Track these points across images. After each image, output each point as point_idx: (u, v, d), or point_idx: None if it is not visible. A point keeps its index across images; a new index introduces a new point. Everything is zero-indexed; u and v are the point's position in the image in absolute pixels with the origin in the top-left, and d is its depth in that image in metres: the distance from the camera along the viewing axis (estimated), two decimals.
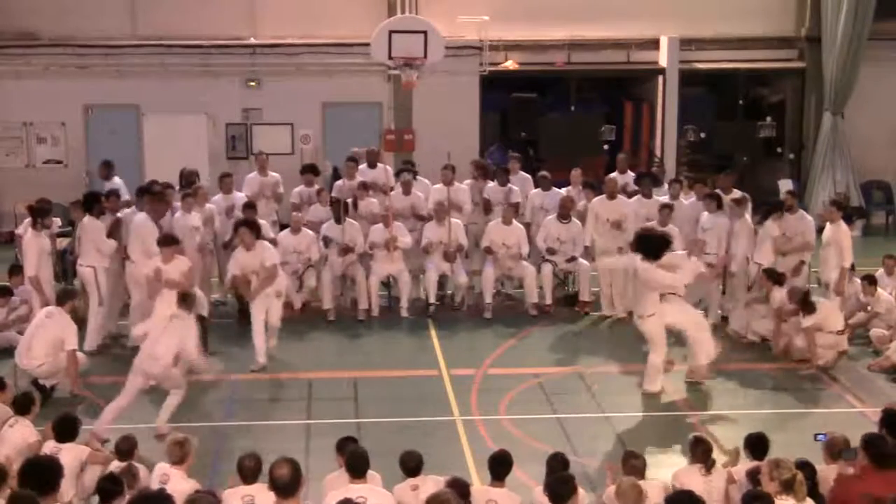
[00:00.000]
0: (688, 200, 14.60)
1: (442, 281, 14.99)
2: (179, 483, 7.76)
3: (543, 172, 15.70)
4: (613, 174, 15.80)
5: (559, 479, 7.37)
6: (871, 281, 13.46)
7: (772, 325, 13.01)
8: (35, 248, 12.54)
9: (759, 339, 13.27)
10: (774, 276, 12.98)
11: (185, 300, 10.61)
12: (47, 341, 11.25)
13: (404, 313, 14.43)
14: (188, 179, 14.95)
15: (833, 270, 13.27)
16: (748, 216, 13.67)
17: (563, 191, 15.17)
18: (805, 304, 12.41)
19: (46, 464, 6.59)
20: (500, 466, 7.91)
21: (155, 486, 7.70)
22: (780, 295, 12.79)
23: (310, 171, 15.59)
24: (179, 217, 13.82)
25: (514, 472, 8.18)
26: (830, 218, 13.40)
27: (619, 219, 14.38)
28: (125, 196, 14.67)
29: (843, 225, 13.33)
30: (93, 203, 13.16)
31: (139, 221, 13.01)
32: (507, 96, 20.41)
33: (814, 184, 20.25)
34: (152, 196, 13.29)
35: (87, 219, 12.99)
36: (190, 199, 13.89)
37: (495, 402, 11.45)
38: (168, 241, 12.26)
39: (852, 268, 13.36)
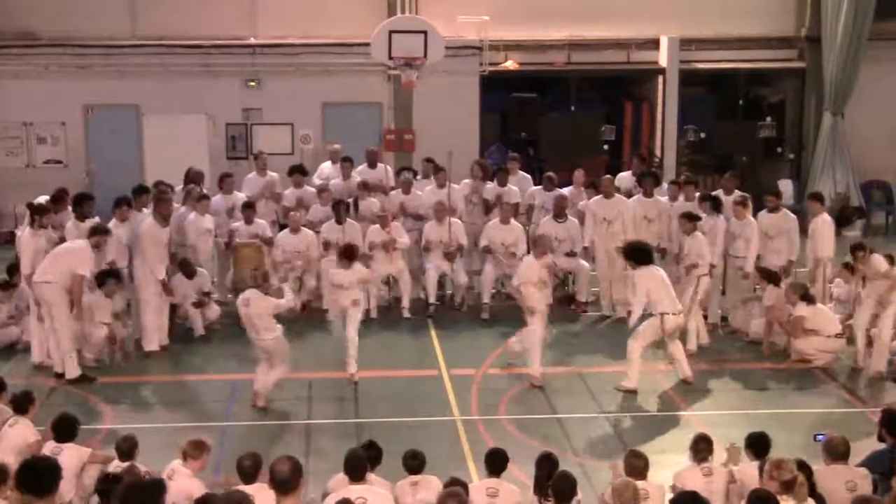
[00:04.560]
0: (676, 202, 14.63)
1: (442, 281, 15.00)
2: (185, 481, 7.75)
3: (549, 174, 15.68)
4: (623, 174, 15.79)
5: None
6: None
7: (764, 326, 13.07)
8: (32, 246, 12.55)
9: (758, 338, 13.28)
10: (768, 274, 13.02)
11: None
12: (65, 266, 11.81)
13: (406, 314, 14.43)
14: (194, 180, 14.97)
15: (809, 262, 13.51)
16: (750, 216, 13.68)
17: (565, 191, 15.16)
18: (806, 297, 12.48)
19: (44, 465, 6.57)
20: (495, 463, 7.94)
21: None
22: (773, 293, 12.83)
23: (298, 171, 15.60)
24: (193, 219, 13.86)
25: (514, 472, 8.20)
26: (814, 211, 13.61)
27: (616, 217, 14.36)
28: None
29: (826, 217, 13.58)
30: (78, 204, 13.16)
31: (147, 226, 12.89)
32: (507, 96, 20.40)
33: (814, 184, 20.20)
34: (158, 199, 13.23)
35: (70, 221, 13.02)
36: (205, 201, 13.97)
37: (495, 402, 11.46)
38: None
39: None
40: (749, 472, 7.95)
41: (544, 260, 12.45)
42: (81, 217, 13.05)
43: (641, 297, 11.66)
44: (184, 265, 13.45)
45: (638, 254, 11.88)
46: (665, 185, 15.23)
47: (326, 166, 16.55)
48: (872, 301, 12.30)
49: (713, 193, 14.35)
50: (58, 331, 11.88)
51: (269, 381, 11.31)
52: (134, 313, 13.20)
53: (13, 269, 13.50)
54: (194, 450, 8.00)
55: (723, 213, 13.76)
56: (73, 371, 11.90)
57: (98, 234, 12.26)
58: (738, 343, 13.47)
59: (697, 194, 14.44)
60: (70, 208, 13.33)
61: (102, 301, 12.38)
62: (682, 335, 12.46)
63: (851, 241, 13.22)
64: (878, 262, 12.30)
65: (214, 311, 13.91)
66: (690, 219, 13.15)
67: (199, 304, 13.62)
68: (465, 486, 7.60)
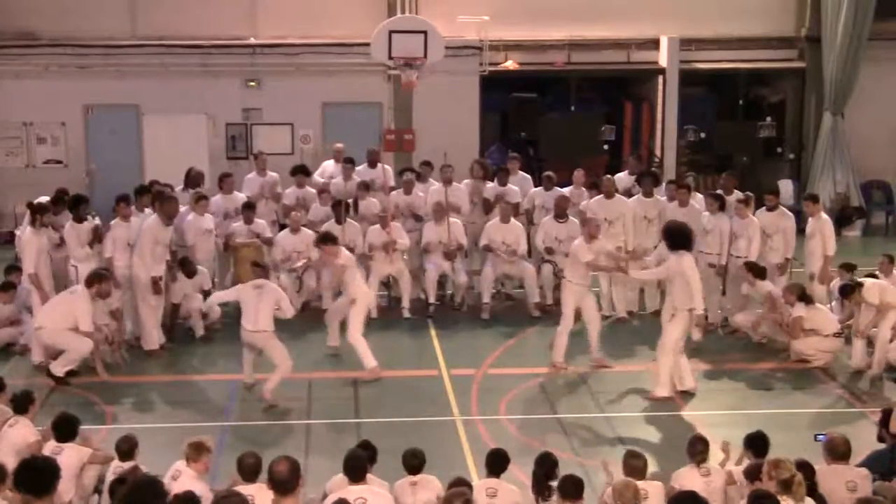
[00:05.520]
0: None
1: (442, 281, 15.00)
2: (190, 483, 7.73)
3: (548, 173, 15.69)
4: (621, 174, 15.79)
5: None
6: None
7: (771, 326, 13.05)
8: (34, 245, 12.56)
9: (762, 339, 13.30)
10: (756, 269, 13.05)
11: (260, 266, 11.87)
12: (62, 313, 11.83)
13: (406, 314, 14.43)
14: (194, 181, 14.99)
15: (818, 260, 13.46)
16: (752, 216, 13.69)
17: (565, 191, 15.16)
18: (804, 297, 12.50)
19: (43, 464, 6.58)
20: (496, 463, 7.95)
21: (166, 481, 7.66)
22: (764, 287, 12.92)
23: (301, 172, 15.61)
24: (192, 220, 13.88)
25: (514, 472, 8.20)
26: (810, 212, 13.68)
27: (617, 218, 14.37)
28: None
29: (823, 216, 13.71)
30: (75, 207, 13.15)
31: (153, 224, 12.90)
32: (507, 96, 20.39)
33: (814, 184, 20.21)
34: (163, 199, 13.22)
35: (69, 223, 13.01)
36: (204, 201, 13.98)
37: (495, 402, 11.46)
38: None
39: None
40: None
41: (595, 244, 12.39)
42: (79, 219, 13.06)
43: (662, 272, 11.54)
44: (184, 264, 13.45)
45: (677, 236, 11.56)
46: (664, 186, 15.25)
47: (329, 165, 16.63)
48: (872, 308, 12.31)
49: (717, 192, 14.37)
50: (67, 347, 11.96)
51: (273, 381, 11.32)
52: (134, 312, 13.21)
53: (12, 269, 13.50)
54: (194, 451, 7.96)
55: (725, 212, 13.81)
56: (59, 370, 11.89)
57: (98, 281, 12.02)
58: (739, 343, 13.46)
59: (701, 195, 14.45)
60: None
61: (98, 304, 12.33)
62: None
63: (846, 247, 13.21)
64: (871, 295, 12.23)
65: (215, 311, 13.90)
66: None
67: (205, 314, 13.65)
68: (469, 485, 7.60)
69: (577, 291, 12.40)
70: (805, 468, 7.47)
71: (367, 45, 15.88)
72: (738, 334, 13.66)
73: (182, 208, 14.18)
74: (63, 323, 11.82)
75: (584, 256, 12.22)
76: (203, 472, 7.97)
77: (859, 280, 12.52)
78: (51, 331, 11.89)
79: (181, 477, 7.80)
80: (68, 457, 8.09)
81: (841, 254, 13.84)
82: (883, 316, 12.15)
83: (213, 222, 14.29)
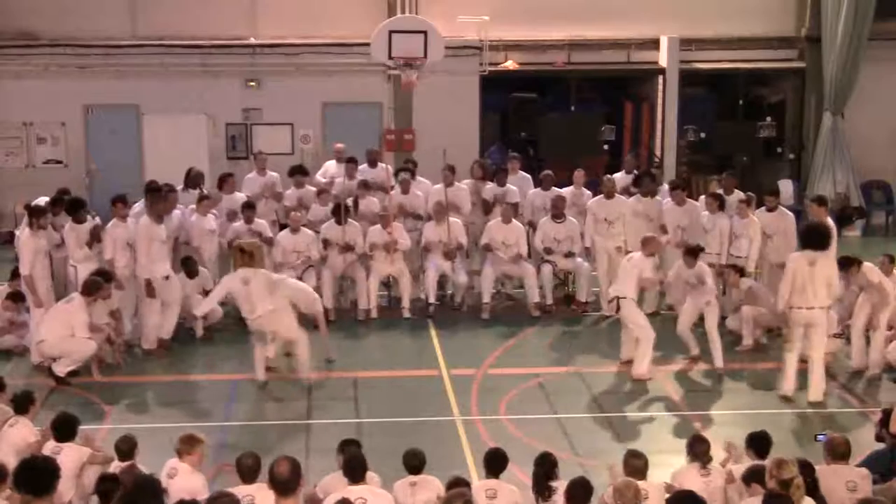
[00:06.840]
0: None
1: (442, 281, 15.00)
2: (187, 477, 7.74)
3: (547, 171, 15.69)
4: (619, 174, 15.80)
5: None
6: None
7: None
8: (31, 247, 12.56)
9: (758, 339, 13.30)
10: (737, 269, 13.08)
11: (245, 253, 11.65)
12: (61, 323, 11.86)
13: (406, 314, 14.43)
14: (195, 181, 15.00)
15: None
16: (753, 216, 13.69)
17: (565, 191, 15.16)
18: None
19: (42, 464, 6.58)
20: (494, 463, 7.95)
21: (163, 480, 7.66)
22: (745, 283, 13.02)
23: (298, 172, 15.62)
24: (195, 220, 13.90)
25: (514, 472, 8.20)
26: (815, 214, 13.53)
27: (617, 218, 14.38)
28: None
29: (829, 222, 13.44)
30: (73, 209, 13.18)
31: (144, 224, 12.93)
32: (507, 96, 20.40)
33: (814, 184, 20.24)
34: (155, 196, 13.25)
35: (68, 224, 13.04)
36: (206, 201, 13.98)
37: (495, 402, 11.46)
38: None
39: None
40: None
41: (653, 260, 12.37)
42: (79, 220, 13.06)
43: (787, 284, 11.24)
44: (185, 263, 13.47)
45: (811, 236, 11.40)
46: (665, 186, 15.25)
47: (331, 165, 16.63)
48: (868, 305, 12.30)
49: (717, 192, 14.38)
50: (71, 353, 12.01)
51: (303, 362, 11.79)
52: (138, 311, 13.23)
53: (17, 272, 13.49)
54: (186, 445, 7.98)
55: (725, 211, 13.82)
56: (62, 370, 11.91)
57: (97, 289, 12.04)
58: (738, 343, 13.45)
59: (703, 197, 14.45)
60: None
61: (98, 304, 12.32)
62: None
63: (846, 247, 13.15)
64: (870, 272, 12.22)
65: (217, 311, 13.89)
66: (695, 255, 12.79)
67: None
68: (468, 485, 7.60)
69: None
70: (805, 468, 7.47)
71: (367, 45, 15.90)
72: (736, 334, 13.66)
73: (186, 208, 14.21)
74: (63, 332, 11.87)
75: (646, 273, 12.20)
76: (198, 465, 7.98)
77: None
78: (52, 343, 11.91)
79: (178, 474, 7.81)
80: (68, 457, 8.08)
81: (841, 254, 13.79)
82: (880, 310, 12.14)
83: (216, 223, 14.30)
